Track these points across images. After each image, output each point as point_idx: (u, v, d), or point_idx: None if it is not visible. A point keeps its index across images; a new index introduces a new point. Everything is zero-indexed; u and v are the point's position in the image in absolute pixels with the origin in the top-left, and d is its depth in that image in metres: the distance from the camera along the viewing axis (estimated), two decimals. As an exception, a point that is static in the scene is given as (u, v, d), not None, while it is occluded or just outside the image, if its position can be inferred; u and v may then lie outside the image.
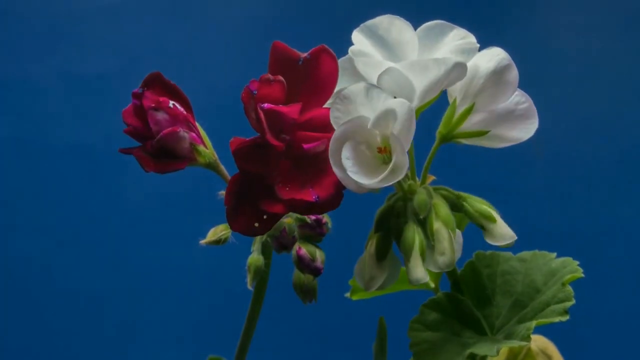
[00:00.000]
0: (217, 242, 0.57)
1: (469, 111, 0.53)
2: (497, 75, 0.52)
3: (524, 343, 0.53)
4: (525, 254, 0.60)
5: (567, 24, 1.35)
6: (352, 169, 0.49)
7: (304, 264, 0.58)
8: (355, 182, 0.48)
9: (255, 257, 0.58)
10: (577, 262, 0.57)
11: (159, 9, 1.36)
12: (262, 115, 0.50)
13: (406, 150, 0.48)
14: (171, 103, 0.55)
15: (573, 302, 0.54)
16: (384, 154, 0.50)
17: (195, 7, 1.37)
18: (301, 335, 1.28)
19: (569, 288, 0.55)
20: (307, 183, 0.51)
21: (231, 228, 0.51)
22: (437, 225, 0.52)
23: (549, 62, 1.32)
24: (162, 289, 1.31)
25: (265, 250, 0.59)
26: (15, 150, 1.33)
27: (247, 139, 0.51)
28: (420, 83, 0.50)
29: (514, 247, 0.62)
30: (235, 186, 0.51)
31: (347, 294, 0.69)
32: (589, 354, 1.22)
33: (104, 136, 1.25)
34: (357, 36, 0.52)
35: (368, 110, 0.49)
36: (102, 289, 1.30)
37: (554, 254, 0.59)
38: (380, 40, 0.52)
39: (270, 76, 0.51)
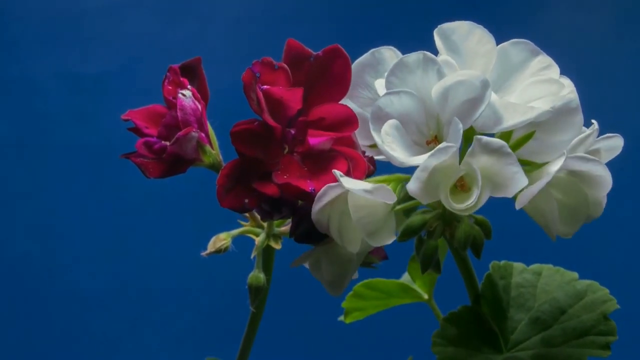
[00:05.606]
0: (218, 251, 0.56)
1: (528, 138, 0.50)
2: (562, 113, 0.49)
3: None
4: (539, 267, 0.57)
5: (568, 24, 1.35)
6: (389, 145, 0.46)
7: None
8: (390, 154, 0.46)
9: (255, 275, 0.57)
10: (607, 290, 0.55)
11: (159, 9, 1.36)
12: (260, 95, 0.50)
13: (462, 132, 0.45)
14: (189, 87, 0.54)
15: (616, 337, 0.53)
16: (433, 144, 0.47)
17: (195, 6, 1.37)
18: (302, 339, 1.28)
19: (613, 323, 0.53)
20: (306, 176, 0.50)
21: (221, 205, 0.50)
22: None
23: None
24: (162, 289, 1.31)
25: (265, 264, 0.58)
26: (15, 150, 1.33)
27: (246, 120, 0.51)
28: (509, 120, 0.48)
29: (521, 252, 0.61)
30: (231, 170, 0.50)
31: (341, 318, 0.68)
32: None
33: (104, 136, 1.25)
34: (435, 36, 0.50)
35: (425, 83, 0.48)
36: (102, 289, 1.30)
37: (575, 274, 0.57)
38: (453, 45, 0.50)
39: (272, 60, 0.51)
